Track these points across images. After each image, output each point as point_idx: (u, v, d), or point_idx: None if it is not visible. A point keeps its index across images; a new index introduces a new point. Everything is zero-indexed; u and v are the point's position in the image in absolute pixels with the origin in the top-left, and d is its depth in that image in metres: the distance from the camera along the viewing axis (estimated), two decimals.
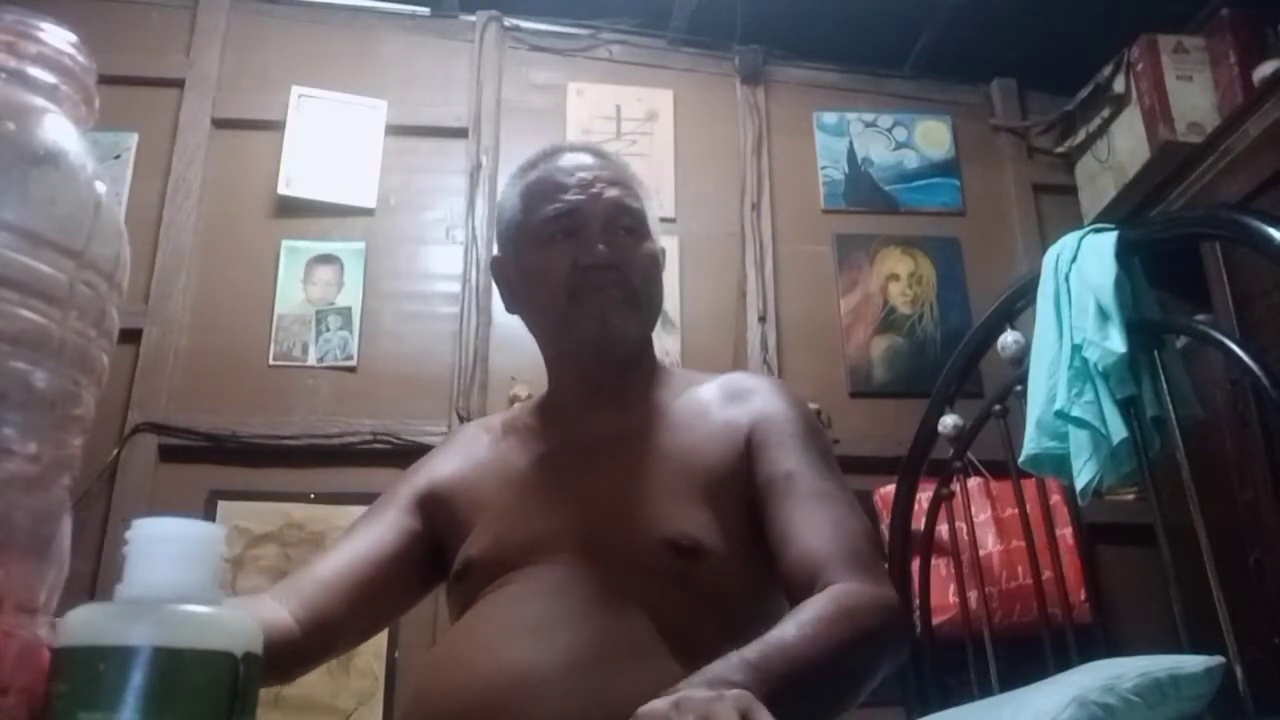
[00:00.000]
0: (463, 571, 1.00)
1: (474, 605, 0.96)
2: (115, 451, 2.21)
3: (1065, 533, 2.07)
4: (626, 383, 1.09)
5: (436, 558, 1.08)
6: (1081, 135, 2.71)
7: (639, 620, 0.89)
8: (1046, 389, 1.45)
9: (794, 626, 0.81)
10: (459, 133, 2.63)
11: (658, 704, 0.64)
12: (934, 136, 2.84)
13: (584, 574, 0.92)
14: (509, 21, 2.77)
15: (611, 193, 1.07)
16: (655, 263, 1.09)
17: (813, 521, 0.94)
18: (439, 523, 1.08)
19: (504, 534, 0.99)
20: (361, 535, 1.06)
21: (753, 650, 0.75)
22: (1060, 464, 1.45)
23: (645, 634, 0.88)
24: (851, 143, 2.80)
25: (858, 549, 0.93)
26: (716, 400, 1.08)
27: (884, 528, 1.94)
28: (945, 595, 1.94)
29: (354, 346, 2.41)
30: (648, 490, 0.98)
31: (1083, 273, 1.45)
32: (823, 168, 2.77)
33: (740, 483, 1.00)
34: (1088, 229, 1.52)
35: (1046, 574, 1.56)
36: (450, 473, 1.10)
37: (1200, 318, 1.91)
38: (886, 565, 1.62)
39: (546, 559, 0.95)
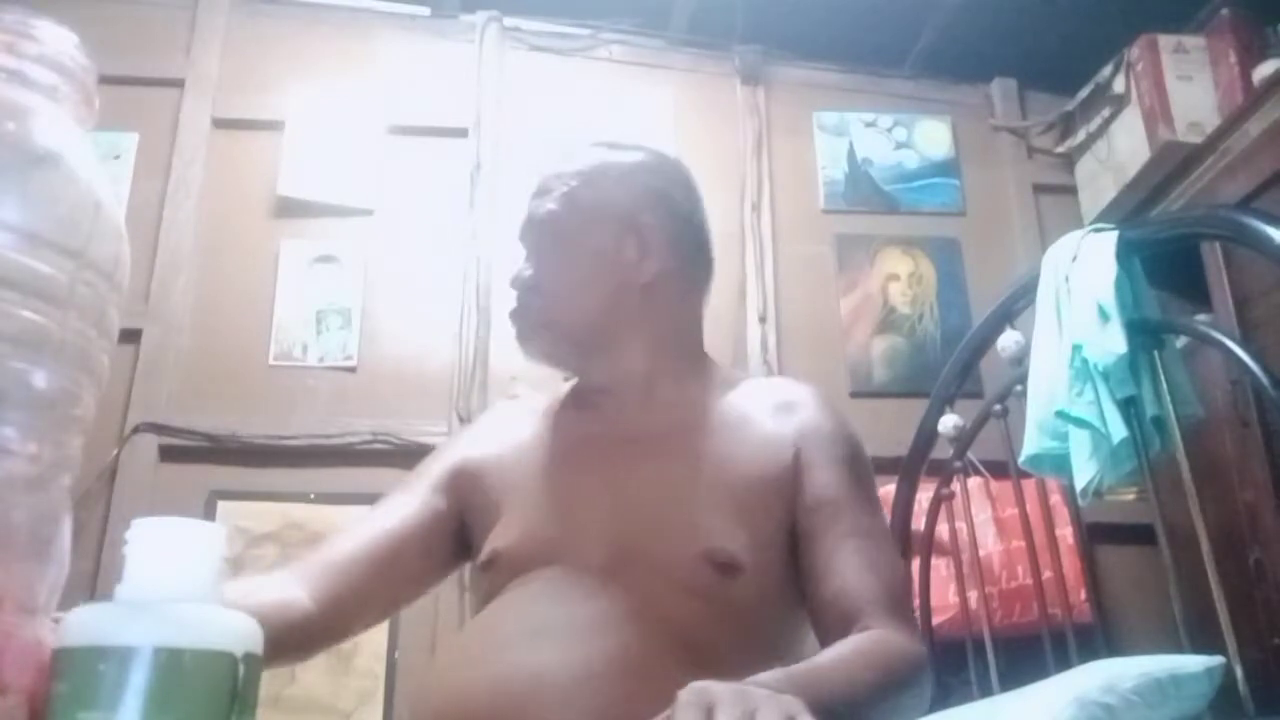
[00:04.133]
0: (489, 562, 0.98)
1: (497, 599, 0.95)
2: (115, 451, 2.21)
3: (1065, 533, 2.07)
4: (655, 378, 1.07)
5: (461, 538, 1.06)
6: (1081, 135, 2.71)
7: (662, 635, 0.87)
8: (1046, 389, 1.45)
9: (836, 661, 0.81)
10: (459, 133, 2.63)
11: (716, 685, 0.63)
12: (934, 137, 2.84)
13: (611, 581, 0.90)
14: (509, 22, 2.76)
15: (527, 216, 1.11)
16: (568, 262, 1.08)
17: (854, 560, 0.93)
18: (468, 502, 1.06)
19: (534, 527, 0.98)
20: (386, 513, 1.04)
21: (798, 672, 0.75)
22: (1060, 464, 1.45)
23: (667, 649, 0.86)
24: (851, 143, 2.80)
25: (895, 596, 0.93)
26: (760, 408, 1.05)
27: None
28: (945, 595, 1.93)
29: (354, 346, 2.41)
30: (685, 498, 0.96)
31: (1083, 273, 1.45)
32: (823, 168, 2.77)
33: (781, 501, 0.98)
34: (1088, 229, 1.52)
35: (1046, 574, 1.56)
36: (484, 452, 1.09)
37: (1200, 318, 1.91)
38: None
39: (575, 560, 0.93)
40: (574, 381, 1.14)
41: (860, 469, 1.03)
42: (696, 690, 0.63)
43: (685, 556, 0.92)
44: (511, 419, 1.14)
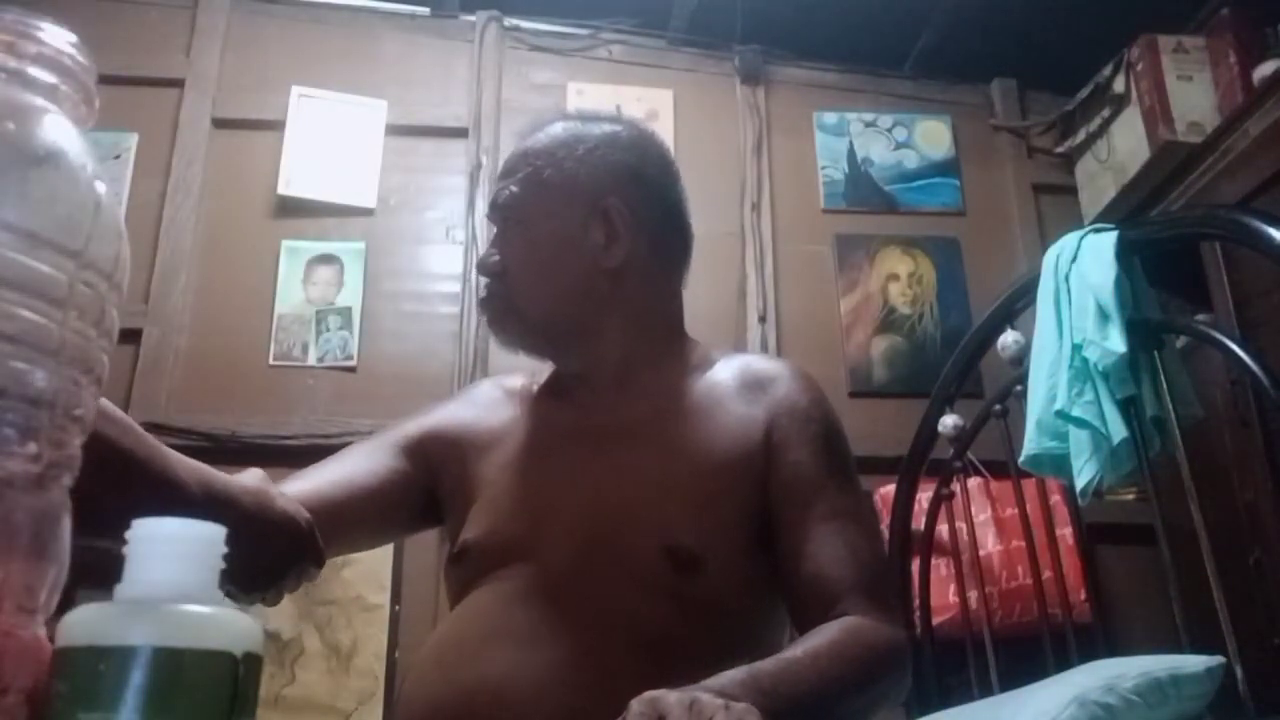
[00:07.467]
0: (459, 555, 0.97)
1: (465, 599, 0.94)
2: None
3: (1065, 533, 2.07)
4: (630, 364, 1.04)
5: (426, 504, 1.04)
6: (1081, 135, 2.71)
7: (627, 636, 0.86)
8: (1046, 389, 1.45)
9: (807, 656, 0.80)
10: (459, 133, 2.63)
11: (668, 695, 0.63)
12: (934, 136, 2.84)
13: (577, 580, 0.89)
14: (509, 21, 2.76)
15: (492, 197, 1.09)
16: (531, 248, 1.04)
17: (831, 543, 0.91)
18: (439, 473, 1.04)
19: (501, 521, 0.96)
20: (341, 463, 1.00)
21: (765, 671, 0.74)
22: (1060, 464, 1.45)
23: (632, 651, 0.84)
24: (851, 143, 2.80)
25: (874, 580, 0.92)
26: (732, 389, 1.02)
27: (884, 528, 1.94)
28: (945, 595, 1.93)
29: (354, 346, 2.41)
30: (651, 492, 0.94)
31: (1083, 273, 1.45)
32: (823, 168, 2.77)
33: (751, 484, 0.96)
34: (1088, 229, 1.52)
35: (1046, 574, 1.56)
36: (462, 427, 1.06)
37: (1200, 318, 1.91)
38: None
39: (542, 557, 0.92)
40: (548, 371, 1.11)
41: (836, 446, 0.99)
42: (647, 700, 0.63)
43: (647, 554, 0.89)
44: (490, 400, 1.11)
